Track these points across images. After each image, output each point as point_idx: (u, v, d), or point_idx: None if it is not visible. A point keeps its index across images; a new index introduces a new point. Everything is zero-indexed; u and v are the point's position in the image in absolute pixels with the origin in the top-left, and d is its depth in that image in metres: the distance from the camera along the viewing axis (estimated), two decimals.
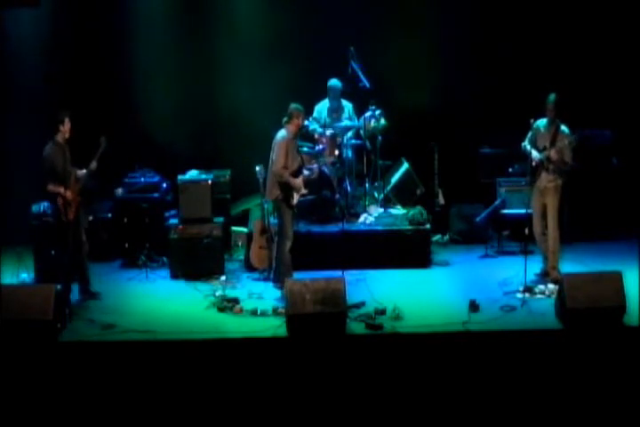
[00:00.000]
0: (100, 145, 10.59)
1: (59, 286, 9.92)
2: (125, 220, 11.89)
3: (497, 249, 12.29)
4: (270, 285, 10.99)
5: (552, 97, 10.67)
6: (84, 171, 10.58)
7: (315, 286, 9.70)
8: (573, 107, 11.15)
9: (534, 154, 10.78)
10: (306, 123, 10.95)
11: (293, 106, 10.67)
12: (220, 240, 11.59)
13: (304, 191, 10.74)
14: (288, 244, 10.67)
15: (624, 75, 12.78)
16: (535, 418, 8.17)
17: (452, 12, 12.91)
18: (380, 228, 11.95)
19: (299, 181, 10.66)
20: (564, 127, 10.72)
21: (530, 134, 10.89)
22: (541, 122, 10.81)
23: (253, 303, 10.50)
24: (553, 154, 10.63)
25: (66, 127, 10.45)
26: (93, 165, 10.58)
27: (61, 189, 10.38)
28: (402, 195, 12.64)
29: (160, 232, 11.72)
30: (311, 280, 9.99)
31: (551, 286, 10.65)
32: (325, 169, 11.85)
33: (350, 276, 10.85)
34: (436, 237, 12.62)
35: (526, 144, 10.90)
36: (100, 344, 9.48)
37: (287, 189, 10.66)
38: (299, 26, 12.89)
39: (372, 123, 12.27)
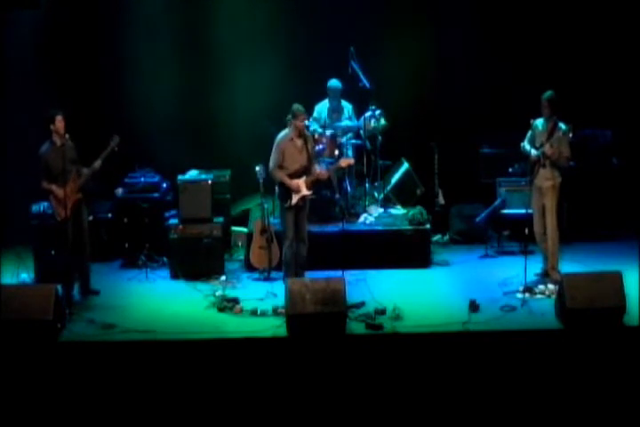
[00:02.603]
0: (108, 144, 10.61)
1: (59, 286, 9.90)
2: (125, 220, 11.89)
3: (497, 249, 12.29)
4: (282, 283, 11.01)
5: (547, 94, 10.68)
6: (87, 169, 10.58)
7: (315, 286, 9.70)
8: (574, 107, 11.16)
9: (532, 152, 10.79)
10: (306, 123, 10.87)
11: (294, 106, 10.66)
12: (220, 240, 11.59)
13: (306, 193, 10.67)
14: (287, 243, 10.70)
15: (624, 75, 12.78)
16: (535, 418, 8.17)
17: (453, 13, 12.91)
18: (380, 228, 11.95)
19: (296, 182, 10.62)
20: (561, 124, 10.72)
21: (529, 134, 10.89)
22: (539, 121, 10.82)
23: (253, 303, 10.50)
24: (548, 148, 10.63)
25: (58, 126, 10.44)
26: (97, 163, 10.59)
27: (53, 187, 10.43)
28: (402, 195, 12.64)
29: (160, 232, 11.72)
30: (311, 280, 10.00)
31: (551, 286, 10.65)
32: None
33: (350, 276, 10.85)
34: (436, 237, 12.62)
35: (525, 144, 10.90)
36: (100, 344, 9.48)
37: (285, 190, 10.68)
38: (299, 26, 12.89)
39: (372, 123, 12.26)
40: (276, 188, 10.91)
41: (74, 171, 10.53)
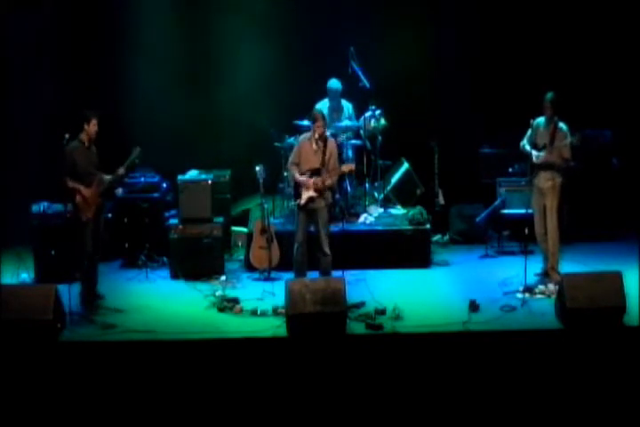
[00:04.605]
0: (131, 153, 10.60)
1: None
2: (125, 220, 11.89)
3: (497, 249, 12.30)
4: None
5: (549, 95, 10.70)
6: (110, 176, 10.52)
7: (315, 286, 9.70)
8: (573, 107, 11.16)
9: (534, 153, 10.79)
10: (327, 133, 10.94)
11: (314, 110, 10.86)
12: (219, 240, 11.59)
13: (312, 194, 10.62)
14: (295, 245, 10.72)
15: (623, 74, 12.79)
16: (535, 418, 8.16)
17: (453, 12, 12.92)
18: (380, 228, 11.95)
19: (305, 179, 10.64)
20: (562, 125, 10.73)
21: (529, 133, 10.89)
22: (540, 120, 10.83)
23: (253, 303, 10.51)
24: (550, 157, 10.65)
25: (91, 128, 10.37)
26: (121, 171, 10.54)
27: (81, 187, 10.33)
28: (402, 195, 12.64)
29: (160, 232, 11.72)
30: (311, 280, 10.01)
31: (551, 285, 10.65)
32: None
33: (350, 276, 10.85)
34: (436, 237, 12.62)
35: (525, 144, 10.91)
36: (100, 344, 9.48)
37: (296, 188, 10.74)
38: (299, 26, 12.88)
39: (372, 123, 12.26)
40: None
41: (98, 175, 10.47)
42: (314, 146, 10.71)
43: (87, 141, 10.42)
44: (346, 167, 11.06)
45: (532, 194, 10.98)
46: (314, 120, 10.68)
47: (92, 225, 10.42)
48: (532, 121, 10.78)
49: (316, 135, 10.64)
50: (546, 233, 10.89)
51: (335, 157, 10.79)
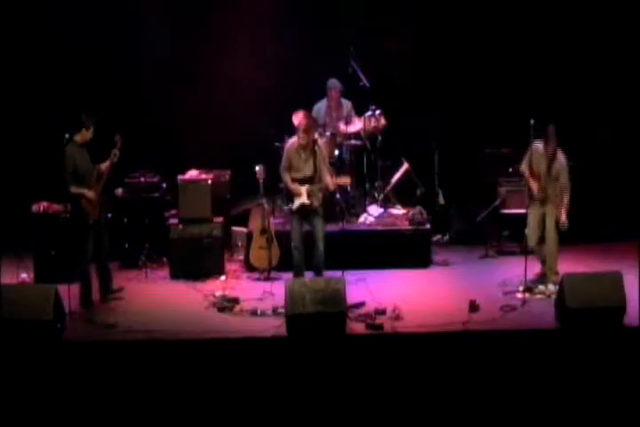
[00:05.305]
0: (116, 143, 10.58)
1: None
2: (125, 220, 11.90)
3: (497, 249, 12.30)
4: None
5: (552, 128, 10.55)
6: (107, 163, 10.52)
7: (315, 286, 9.70)
8: (574, 106, 11.16)
9: (534, 186, 10.70)
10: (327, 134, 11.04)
11: (296, 117, 10.87)
12: (219, 240, 11.60)
13: (305, 201, 10.67)
14: (292, 247, 10.75)
15: (624, 74, 12.79)
16: (535, 418, 8.17)
17: (452, 13, 12.92)
18: (380, 228, 11.96)
19: (296, 187, 10.67)
20: (560, 156, 10.63)
21: (526, 157, 10.76)
22: (540, 145, 10.69)
23: (253, 303, 10.50)
24: (550, 194, 10.64)
25: (88, 135, 10.41)
26: (115, 151, 10.51)
27: (85, 191, 10.34)
28: (402, 195, 12.64)
29: (160, 232, 11.72)
30: (311, 280, 10.02)
31: (551, 286, 10.64)
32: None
33: (350, 276, 10.85)
34: (436, 237, 12.62)
35: (523, 168, 10.79)
36: (100, 344, 9.48)
37: (289, 193, 10.79)
38: (299, 26, 12.89)
39: (372, 123, 12.26)
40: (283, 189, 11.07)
41: (95, 171, 10.49)
42: (302, 155, 10.69)
43: (82, 142, 10.44)
44: (342, 180, 11.11)
45: (531, 202, 10.86)
46: (297, 127, 10.65)
47: (96, 226, 10.45)
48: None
49: (301, 145, 10.59)
50: (540, 241, 10.81)
51: (327, 159, 10.78)
